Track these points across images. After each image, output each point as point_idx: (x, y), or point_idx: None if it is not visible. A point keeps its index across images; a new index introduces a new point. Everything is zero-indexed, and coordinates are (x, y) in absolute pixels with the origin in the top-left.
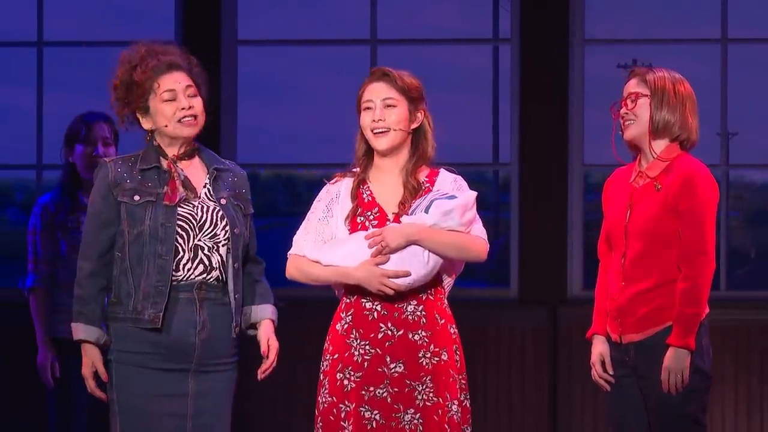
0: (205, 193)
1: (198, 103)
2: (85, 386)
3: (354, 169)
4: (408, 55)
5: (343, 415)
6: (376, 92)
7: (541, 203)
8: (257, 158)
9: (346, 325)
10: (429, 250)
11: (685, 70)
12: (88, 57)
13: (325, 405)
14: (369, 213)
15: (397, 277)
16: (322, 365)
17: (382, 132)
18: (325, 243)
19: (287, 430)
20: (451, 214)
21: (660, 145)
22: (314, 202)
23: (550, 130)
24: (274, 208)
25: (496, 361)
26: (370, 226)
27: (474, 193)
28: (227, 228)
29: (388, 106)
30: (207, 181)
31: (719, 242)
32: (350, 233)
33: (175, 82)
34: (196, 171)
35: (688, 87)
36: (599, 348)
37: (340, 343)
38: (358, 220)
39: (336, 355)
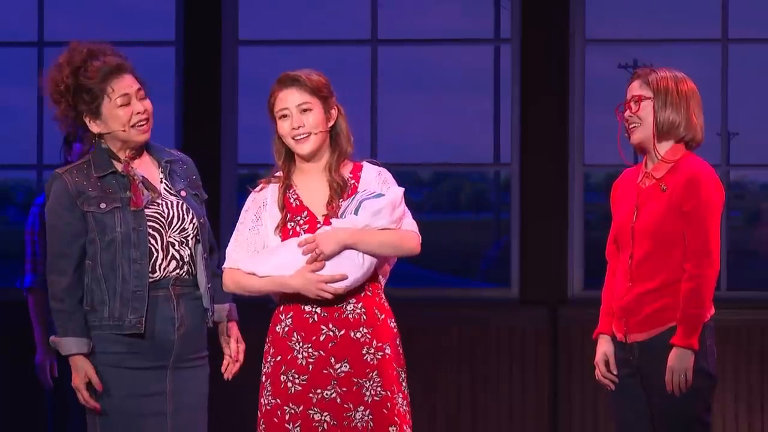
0: (164, 188)
1: (149, 105)
2: None
3: (277, 174)
4: (409, 55)
5: (287, 417)
6: (290, 99)
7: (541, 203)
8: (258, 159)
9: (286, 328)
10: (363, 252)
11: (686, 70)
12: None
13: (269, 407)
14: (298, 218)
15: (334, 281)
16: (264, 367)
17: (303, 138)
18: (258, 253)
19: None
20: (381, 213)
21: (665, 146)
22: (242, 212)
23: (551, 130)
24: None
25: (496, 361)
26: (301, 232)
27: (401, 189)
28: (194, 220)
29: (305, 110)
30: (161, 176)
31: (721, 243)
32: (282, 240)
33: (128, 86)
34: (148, 167)
35: (692, 85)
36: (604, 348)
37: (281, 345)
38: (289, 226)
39: (278, 357)
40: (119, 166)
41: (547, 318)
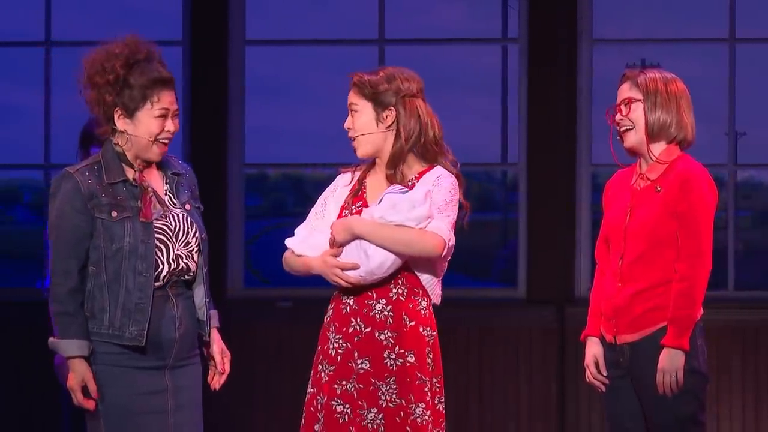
0: (168, 200)
1: (177, 126)
2: None
3: (364, 163)
4: (416, 55)
5: (319, 407)
6: (349, 99)
7: (549, 203)
8: (265, 158)
9: (328, 318)
10: (373, 244)
11: (693, 69)
12: None
13: (308, 396)
14: (353, 207)
15: (346, 268)
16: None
17: (353, 140)
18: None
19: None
20: (397, 207)
21: (658, 147)
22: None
23: (559, 130)
24: (282, 209)
25: (503, 360)
26: None
27: (426, 190)
28: (197, 235)
29: (354, 111)
30: (166, 187)
31: (728, 243)
32: None
33: (171, 102)
34: (154, 178)
35: (681, 85)
36: (593, 350)
37: (323, 335)
38: (344, 213)
39: (319, 347)
40: (131, 174)
41: (554, 318)
